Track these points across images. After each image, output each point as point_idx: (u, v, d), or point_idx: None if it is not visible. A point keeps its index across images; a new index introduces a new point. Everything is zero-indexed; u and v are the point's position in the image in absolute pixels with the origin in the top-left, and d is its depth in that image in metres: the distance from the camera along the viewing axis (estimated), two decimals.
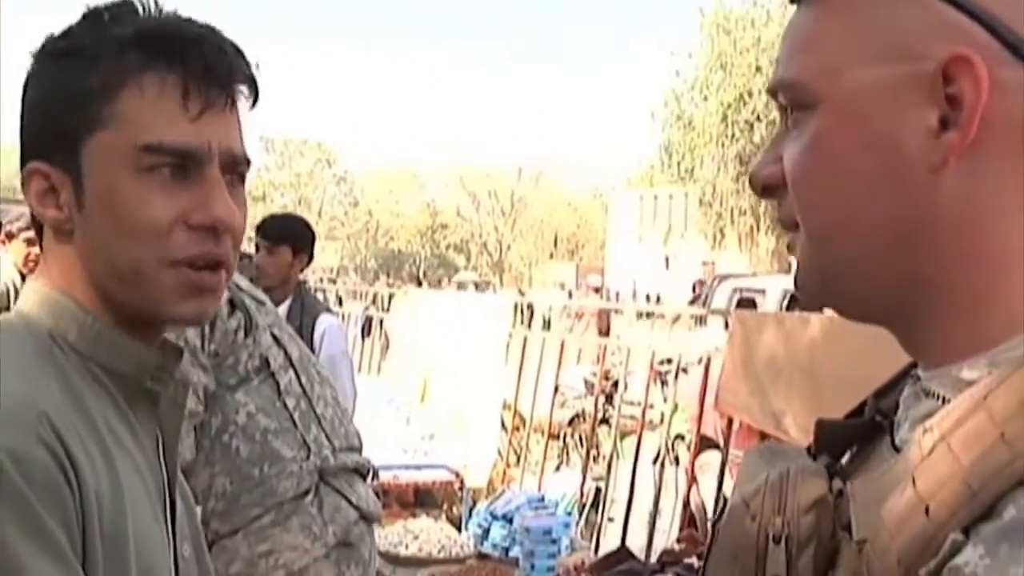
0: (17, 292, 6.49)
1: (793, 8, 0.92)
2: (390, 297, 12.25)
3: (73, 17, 1.28)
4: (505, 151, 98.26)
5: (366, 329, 11.25)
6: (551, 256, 63.11)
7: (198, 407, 2.48)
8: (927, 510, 0.72)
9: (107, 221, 1.20)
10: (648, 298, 29.79)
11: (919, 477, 0.74)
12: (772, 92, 0.92)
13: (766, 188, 0.92)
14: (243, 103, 1.27)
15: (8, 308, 2.07)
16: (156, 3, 1.24)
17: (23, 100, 1.26)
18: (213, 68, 1.21)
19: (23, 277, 6.21)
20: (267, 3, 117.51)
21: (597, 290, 23.41)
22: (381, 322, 10.80)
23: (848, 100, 0.85)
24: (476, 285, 30.27)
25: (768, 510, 0.81)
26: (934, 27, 0.82)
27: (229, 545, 2.49)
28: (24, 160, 1.24)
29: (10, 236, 6.35)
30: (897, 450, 0.87)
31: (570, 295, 26.19)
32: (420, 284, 18.04)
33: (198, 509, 2.24)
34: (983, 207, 0.82)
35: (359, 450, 2.90)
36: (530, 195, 65.42)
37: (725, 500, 0.92)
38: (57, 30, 1.26)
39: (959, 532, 0.70)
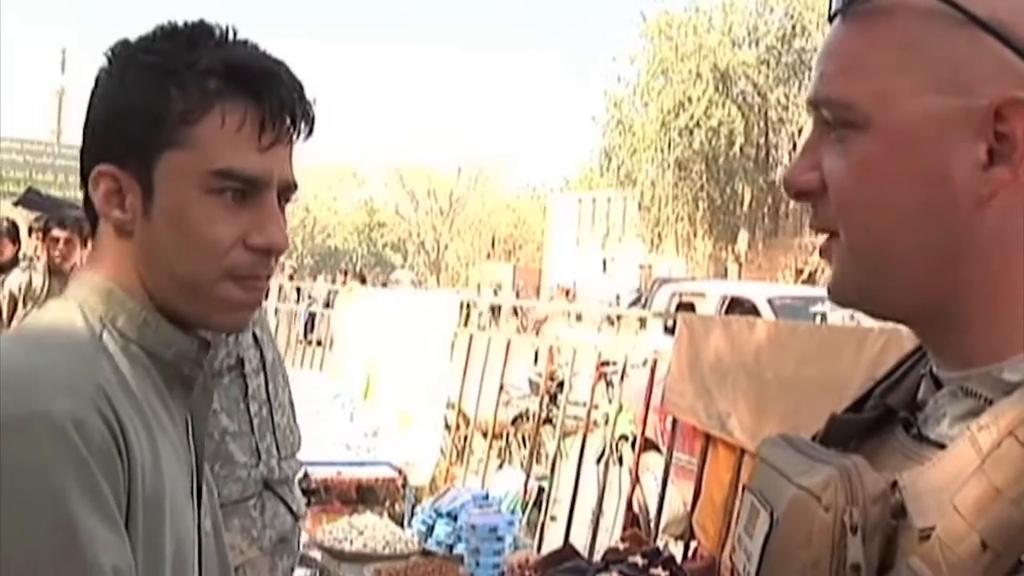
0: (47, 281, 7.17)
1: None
2: (334, 294, 12.22)
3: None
4: (445, 151, 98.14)
5: (309, 325, 11.22)
6: (488, 256, 63.10)
7: None
8: (1013, 500, 0.77)
9: (174, 233, 1.31)
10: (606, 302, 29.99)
11: (991, 469, 0.79)
12: (813, 104, 0.95)
13: (801, 193, 0.96)
14: (301, 136, 1.39)
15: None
16: (233, 29, 1.35)
17: (94, 98, 1.36)
18: (287, 105, 1.33)
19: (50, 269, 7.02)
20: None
21: (567, 292, 23.60)
22: (326, 318, 10.76)
23: (901, 128, 0.89)
24: (412, 284, 30.24)
25: (842, 501, 0.85)
26: (986, 63, 0.86)
27: None
28: (91, 157, 1.34)
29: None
30: (927, 442, 0.92)
31: (517, 295, 26.35)
32: (364, 282, 17.98)
33: None
34: (1021, 236, 0.87)
35: (296, 455, 2.96)
36: (469, 195, 65.37)
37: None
38: (132, 37, 1.35)
39: None
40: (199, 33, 1.33)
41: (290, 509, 2.79)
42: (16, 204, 13.56)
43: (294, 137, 1.37)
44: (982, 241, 0.88)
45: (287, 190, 1.38)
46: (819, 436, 1.02)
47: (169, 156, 1.30)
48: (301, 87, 1.36)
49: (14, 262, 7.95)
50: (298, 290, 14.98)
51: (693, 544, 5.50)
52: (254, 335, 2.73)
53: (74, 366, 1.22)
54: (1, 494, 1.10)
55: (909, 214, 0.89)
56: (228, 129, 1.30)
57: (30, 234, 8.17)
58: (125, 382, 1.27)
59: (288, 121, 1.34)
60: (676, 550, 5.55)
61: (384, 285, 25.66)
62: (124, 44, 1.35)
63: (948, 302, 0.90)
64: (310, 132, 1.39)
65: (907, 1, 0.89)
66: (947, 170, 0.87)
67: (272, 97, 1.31)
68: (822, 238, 0.97)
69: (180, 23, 1.35)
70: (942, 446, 0.88)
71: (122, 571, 1.15)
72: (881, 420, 1.01)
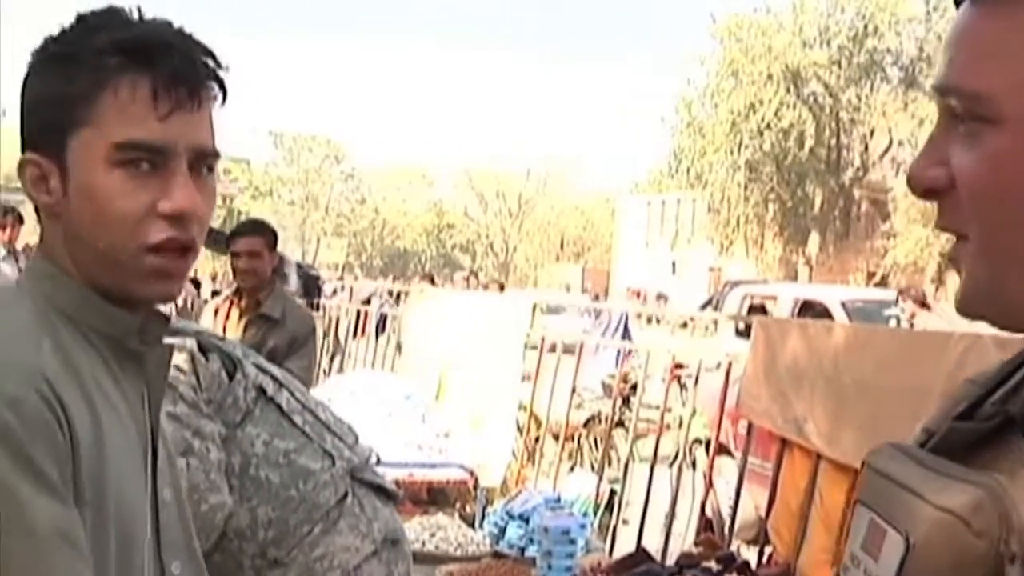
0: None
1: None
2: (403, 294, 12.28)
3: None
4: (514, 152, 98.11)
5: (381, 326, 11.27)
6: (557, 258, 63.08)
7: (220, 454, 2.55)
8: None
9: (87, 209, 1.36)
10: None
11: None
12: (940, 92, 0.88)
13: (928, 191, 0.89)
14: (214, 101, 1.41)
15: None
16: (139, 9, 1.38)
17: (22, 96, 1.42)
18: (181, 72, 1.35)
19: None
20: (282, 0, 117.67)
21: (638, 294, 23.65)
22: (396, 319, 10.79)
23: None
24: (484, 286, 30.27)
25: (996, 527, 0.78)
26: None
27: (286, 560, 2.55)
28: (23, 149, 1.40)
29: None
30: None
31: (597, 298, 26.45)
32: (433, 282, 18.00)
33: (249, 544, 2.49)
34: None
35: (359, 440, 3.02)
36: (537, 197, 65.43)
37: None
38: (54, 32, 1.40)
39: None
40: (105, 18, 1.37)
41: (384, 491, 2.83)
42: None
43: (202, 103, 1.38)
44: None
45: (203, 157, 1.40)
46: (931, 445, 0.95)
47: (77, 135, 1.35)
48: (202, 54, 1.38)
49: None
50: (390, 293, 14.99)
51: (767, 550, 5.44)
52: (255, 364, 2.78)
53: (15, 351, 1.28)
54: None
55: None
56: (122, 101, 1.33)
57: None
58: (70, 362, 1.31)
59: (186, 89, 1.35)
60: (750, 555, 5.50)
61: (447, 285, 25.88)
62: (45, 38, 1.41)
63: None
64: (224, 97, 1.41)
65: None
66: None
67: (163, 66, 1.34)
68: (944, 239, 0.92)
69: (90, 11, 1.39)
70: None
71: (69, 535, 1.22)
72: (997, 430, 0.93)
